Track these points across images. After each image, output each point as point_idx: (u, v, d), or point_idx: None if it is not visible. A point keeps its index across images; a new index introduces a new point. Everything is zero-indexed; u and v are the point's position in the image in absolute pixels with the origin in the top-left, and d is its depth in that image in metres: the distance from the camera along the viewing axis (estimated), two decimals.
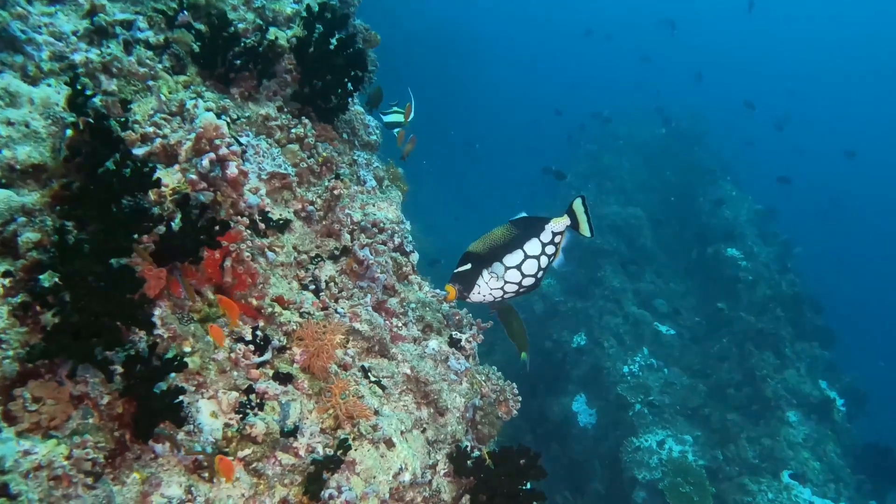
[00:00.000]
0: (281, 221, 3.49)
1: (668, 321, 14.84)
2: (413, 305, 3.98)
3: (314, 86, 3.94)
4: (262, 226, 3.35)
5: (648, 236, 16.70)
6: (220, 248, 2.67)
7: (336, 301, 3.59)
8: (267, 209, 3.41)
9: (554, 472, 11.99)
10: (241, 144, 3.43)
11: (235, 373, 2.97)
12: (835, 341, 13.84)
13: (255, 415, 2.88)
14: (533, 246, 2.76)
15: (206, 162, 2.89)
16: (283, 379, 3.11)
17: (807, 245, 17.55)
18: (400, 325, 3.87)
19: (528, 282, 2.81)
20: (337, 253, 3.74)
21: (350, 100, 4.55)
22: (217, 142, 2.94)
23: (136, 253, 2.56)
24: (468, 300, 2.85)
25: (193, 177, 2.87)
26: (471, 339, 4.01)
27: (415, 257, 4.22)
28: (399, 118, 5.07)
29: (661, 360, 13.68)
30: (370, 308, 3.66)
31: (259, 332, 3.13)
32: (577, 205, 2.74)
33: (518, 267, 2.77)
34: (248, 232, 3.16)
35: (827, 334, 13.81)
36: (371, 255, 3.72)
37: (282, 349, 3.20)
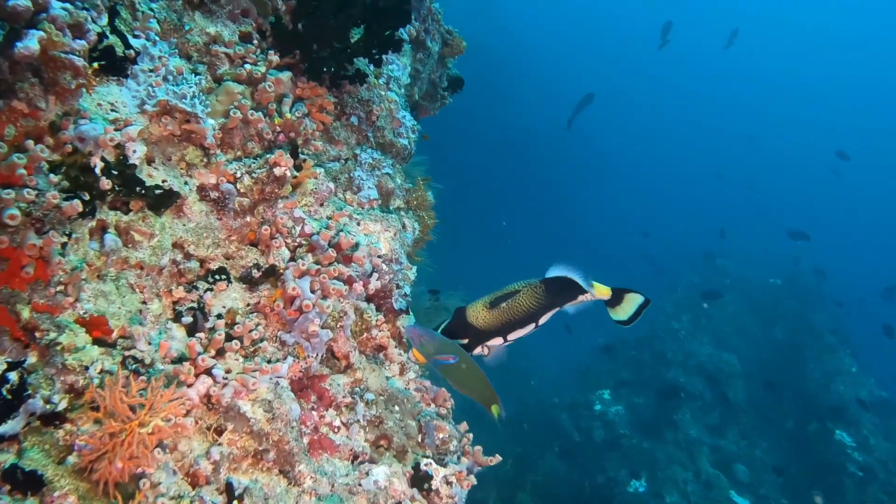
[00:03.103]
0: (159, 191, 1.96)
1: (747, 493, 12.44)
2: (371, 397, 2.32)
3: (312, 23, 2.49)
4: (107, 183, 1.83)
5: (740, 390, 14.41)
6: None
7: (221, 354, 1.99)
8: (133, 160, 1.90)
9: None
10: (128, 47, 1.97)
11: None
12: None
13: None
14: (551, 314, 2.29)
15: None
16: (24, 484, 1.52)
17: None
18: (337, 424, 2.21)
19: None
20: (256, 274, 2.17)
21: (373, 71, 3.09)
22: None
23: None
24: None
25: None
26: (454, 478, 2.29)
27: (406, 320, 2.59)
28: None
29: None
30: (284, 382, 2.05)
31: (13, 376, 1.57)
32: (635, 300, 2.30)
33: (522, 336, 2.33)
34: (50, 176, 1.65)
35: None
36: (312, 292, 2.13)
37: (52, 419, 1.62)
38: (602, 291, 2.27)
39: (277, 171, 2.12)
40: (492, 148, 22.37)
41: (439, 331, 2.32)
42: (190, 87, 2.01)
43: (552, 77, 28.42)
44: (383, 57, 3.33)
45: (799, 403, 14.04)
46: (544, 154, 24.24)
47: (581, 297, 2.24)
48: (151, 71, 2.00)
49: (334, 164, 2.71)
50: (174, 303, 2.05)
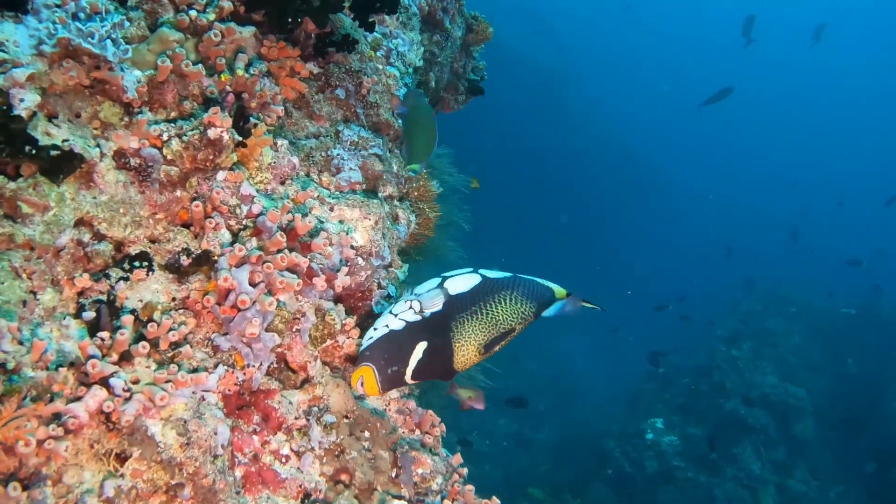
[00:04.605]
0: (56, 153, 1.57)
1: None
2: (331, 419, 1.86)
3: None
4: None
5: (809, 426, 13.30)
6: None
7: (127, 360, 1.57)
8: (19, 110, 1.51)
9: None
10: None
11: None
12: None
13: None
14: None
15: None
16: None
17: None
18: (285, 452, 1.76)
19: None
20: (185, 261, 1.75)
21: (371, 42, 2.68)
22: None
23: None
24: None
25: None
26: None
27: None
28: None
29: None
30: (212, 397, 1.62)
31: None
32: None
33: None
34: None
35: None
36: (252, 285, 1.70)
37: None
38: (561, 294, 2.15)
39: (212, 132, 1.70)
40: (545, 151, 21.78)
41: (411, 369, 1.84)
42: (102, 26, 1.62)
43: (616, 86, 27.84)
44: (386, 29, 2.94)
45: (880, 445, 12.85)
46: (597, 164, 23.43)
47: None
48: (57, 6, 1.62)
49: (312, 140, 2.30)
50: (79, 294, 1.65)
